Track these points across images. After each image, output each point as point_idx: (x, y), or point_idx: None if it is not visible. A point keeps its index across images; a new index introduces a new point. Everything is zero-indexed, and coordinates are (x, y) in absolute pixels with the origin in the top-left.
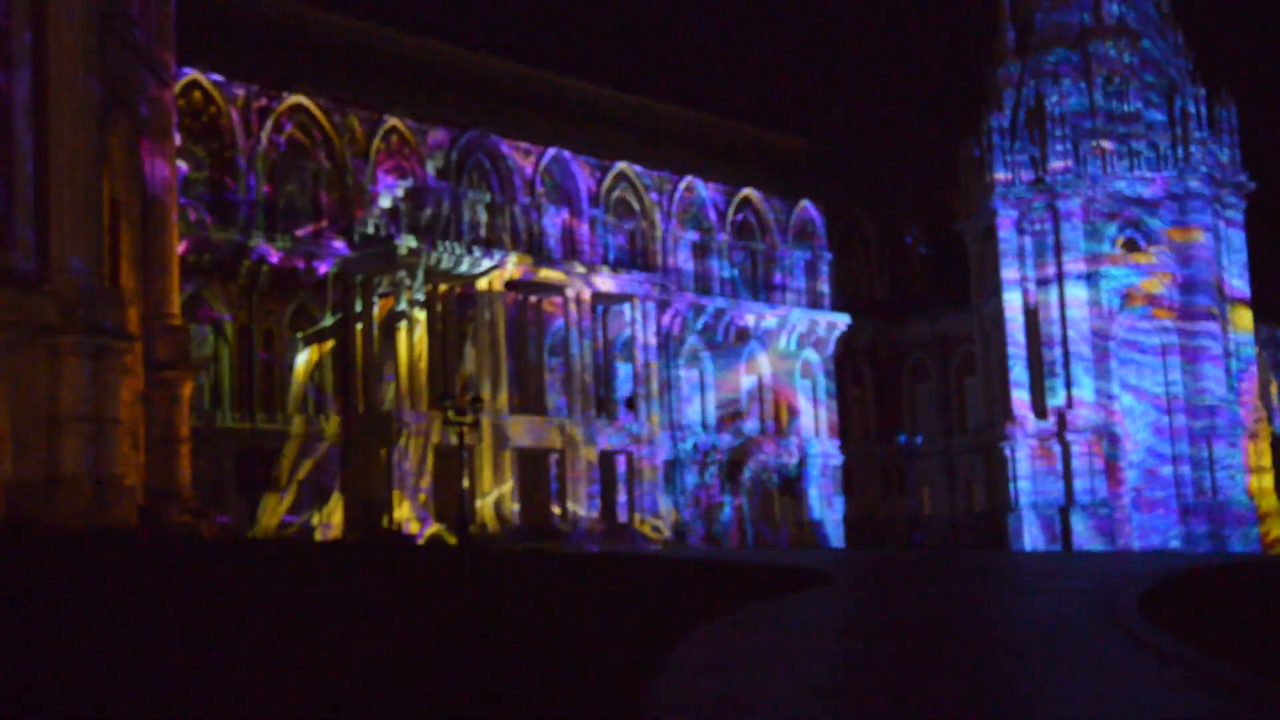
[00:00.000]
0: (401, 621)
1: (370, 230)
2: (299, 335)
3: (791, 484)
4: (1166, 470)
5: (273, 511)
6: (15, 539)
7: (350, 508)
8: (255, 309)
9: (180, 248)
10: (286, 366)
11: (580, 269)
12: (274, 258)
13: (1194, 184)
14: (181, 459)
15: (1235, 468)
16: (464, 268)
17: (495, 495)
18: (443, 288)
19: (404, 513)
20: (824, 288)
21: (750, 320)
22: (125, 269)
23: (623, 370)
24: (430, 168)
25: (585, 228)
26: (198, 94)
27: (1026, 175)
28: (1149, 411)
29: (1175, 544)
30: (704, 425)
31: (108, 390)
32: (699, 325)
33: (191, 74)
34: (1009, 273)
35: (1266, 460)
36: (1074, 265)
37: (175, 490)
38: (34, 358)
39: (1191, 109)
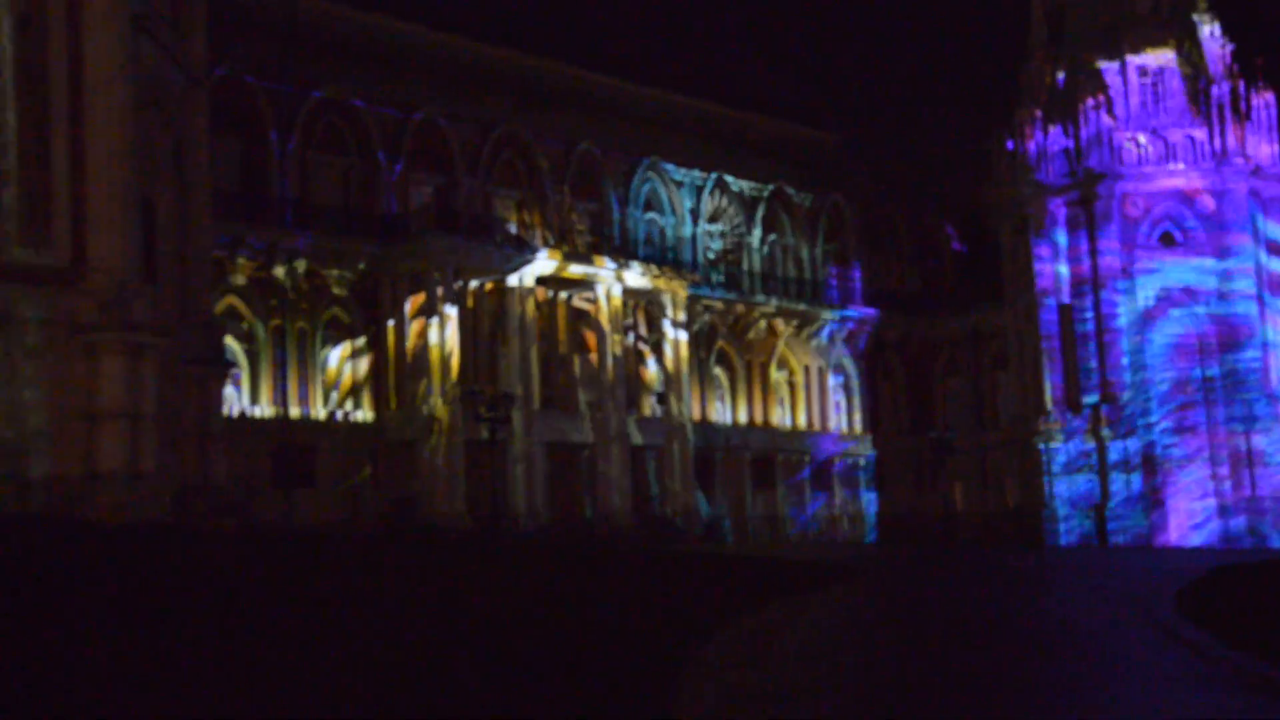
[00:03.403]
0: (433, 614)
1: (402, 227)
2: (331, 333)
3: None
4: (1204, 465)
5: (307, 506)
6: (54, 534)
7: (383, 502)
8: (288, 305)
9: (214, 245)
10: (320, 362)
11: (611, 265)
12: (306, 255)
13: (1231, 176)
14: (216, 454)
15: (1274, 463)
16: (495, 264)
17: (526, 489)
18: (474, 284)
19: (436, 507)
20: (855, 283)
21: (781, 315)
22: (160, 266)
23: (653, 365)
24: (460, 164)
25: (616, 223)
26: (230, 92)
27: (1060, 168)
28: (1186, 406)
29: (1213, 541)
30: (735, 420)
31: (144, 386)
32: (730, 320)
33: (224, 73)
34: (1043, 267)
35: None
36: (1109, 259)
37: (210, 485)
38: (71, 354)
39: (1229, 100)
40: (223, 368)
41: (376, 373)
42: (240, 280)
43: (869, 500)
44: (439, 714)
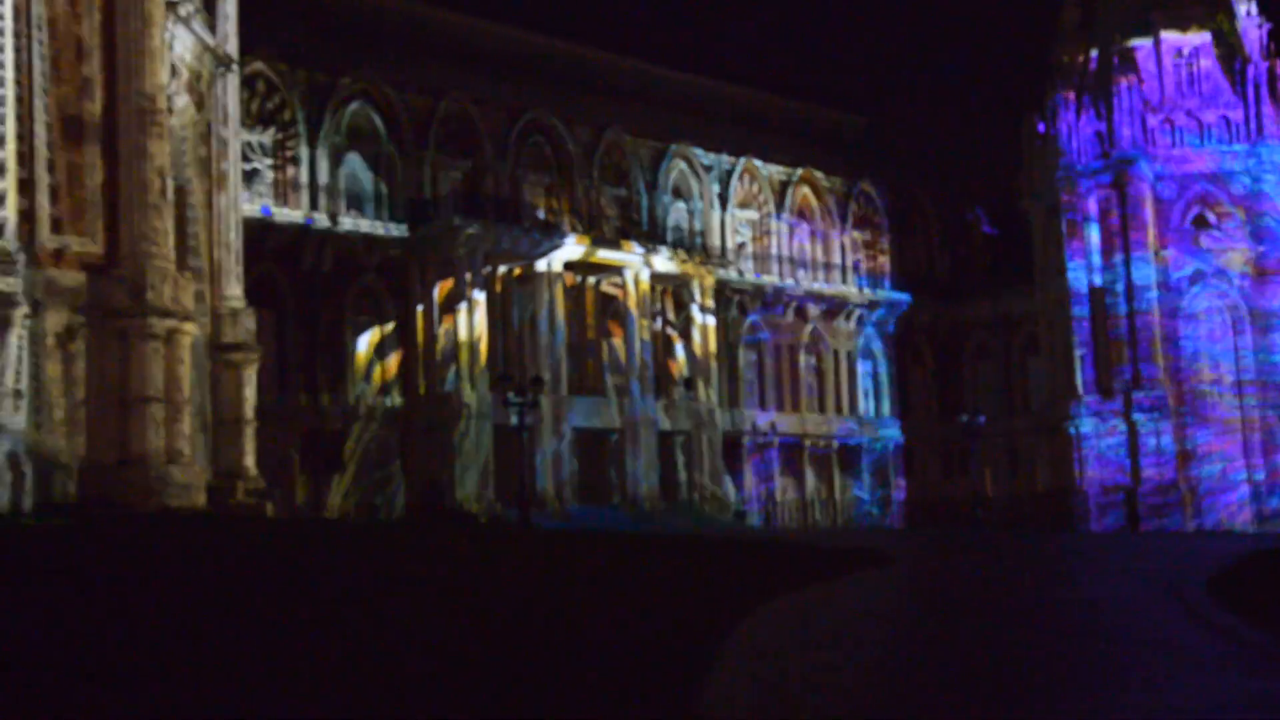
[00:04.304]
0: (461, 599)
1: (430, 213)
2: (361, 319)
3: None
4: (1237, 449)
5: (337, 491)
6: (89, 518)
7: (412, 487)
8: (318, 291)
9: (244, 232)
10: (350, 349)
11: (639, 250)
12: (336, 240)
13: (1266, 158)
14: (247, 440)
15: None
16: (523, 249)
17: (554, 475)
18: (502, 269)
19: (465, 493)
20: (884, 267)
21: (810, 300)
22: (192, 253)
23: (681, 350)
24: (489, 149)
25: (643, 208)
26: (260, 79)
27: (1092, 151)
28: (1218, 389)
29: (1246, 526)
30: (762, 405)
31: (176, 372)
32: (758, 305)
33: (254, 59)
34: (1074, 250)
35: None
36: (1141, 242)
37: (242, 471)
38: (105, 341)
39: (1265, 81)
40: (254, 353)
41: (405, 358)
42: (271, 266)
43: (898, 486)
44: (467, 697)
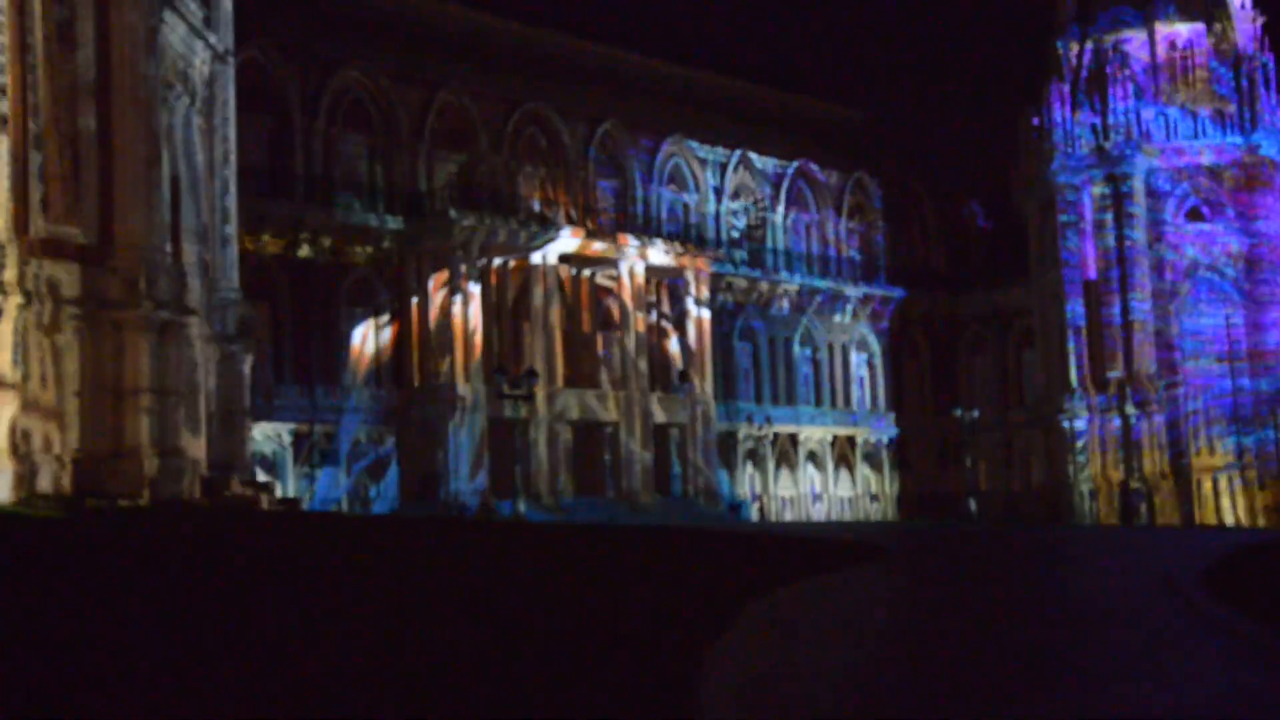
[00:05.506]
0: (454, 593)
1: (425, 205)
2: (356, 310)
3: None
4: (1231, 442)
5: (332, 483)
6: (82, 510)
7: (407, 479)
8: (313, 283)
9: (239, 223)
10: (344, 340)
11: (634, 242)
12: (331, 232)
13: (1261, 151)
14: (242, 431)
15: None
16: (519, 242)
17: (549, 467)
18: (497, 261)
19: (460, 485)
20: (880, 260)
21: (805, 293)
22: (186, 244)
23: (676, 343)
24: (484, 142)
25: (639, 201)
26: (255, 70)
27: (1088, 144)
28: (1213, 382)
29: (1240, 519)
30: (758, 398)
31: (171, 364)
32: (753, 298)
33: (250, 49)
34: (1069, 243)
35: None
36: (1136, 235)
37: (237, 462)
38: (99, 332)
39: (1259, 74)
40: (249, 345)
41: (400, 350)
42: (266, 258)
43: (892, 479)
44: (460, 695)
